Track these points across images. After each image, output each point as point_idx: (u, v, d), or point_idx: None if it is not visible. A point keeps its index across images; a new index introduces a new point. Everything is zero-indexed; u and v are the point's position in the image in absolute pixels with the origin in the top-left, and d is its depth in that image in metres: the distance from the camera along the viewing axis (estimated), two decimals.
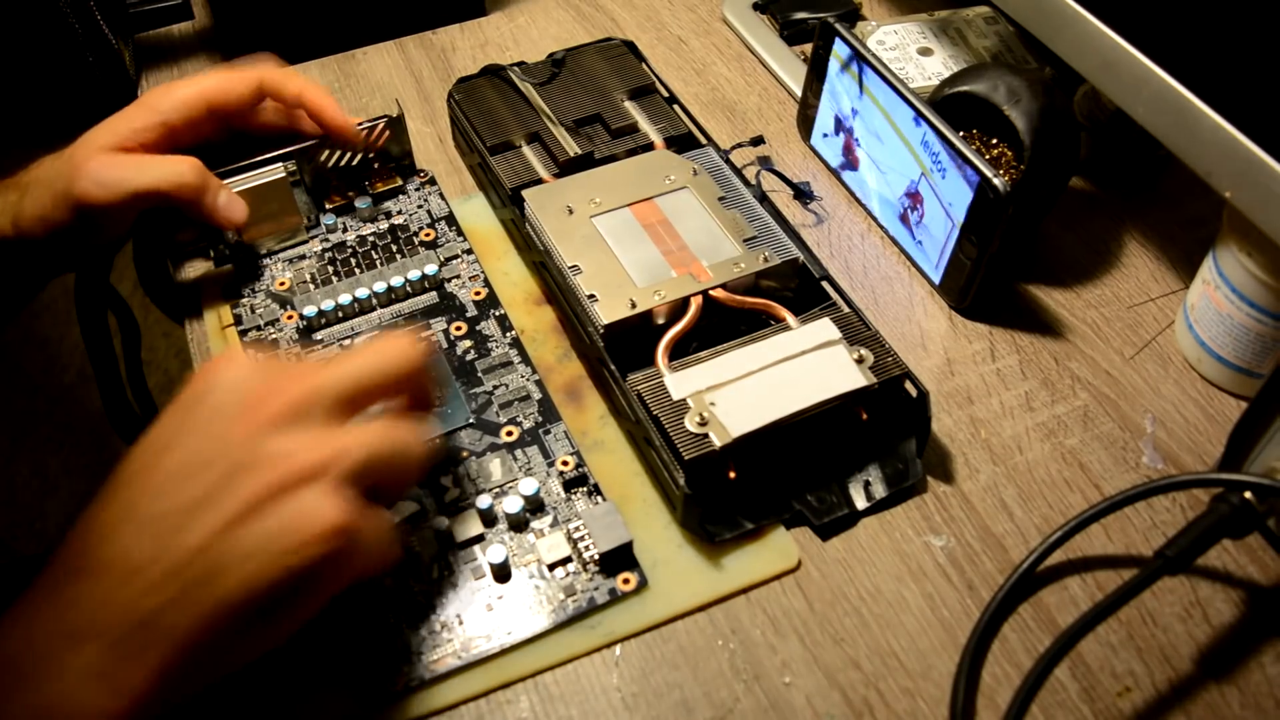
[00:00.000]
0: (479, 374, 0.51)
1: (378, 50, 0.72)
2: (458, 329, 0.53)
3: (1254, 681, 0.42)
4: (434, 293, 0.55)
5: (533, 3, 0.75)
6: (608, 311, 0.48)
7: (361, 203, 0.58)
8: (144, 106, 0.51)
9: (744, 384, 0.46)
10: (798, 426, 0.45)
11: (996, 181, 0.49)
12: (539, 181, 0.55)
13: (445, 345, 0.52)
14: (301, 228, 0.57)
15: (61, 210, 0.49)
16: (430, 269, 0.55)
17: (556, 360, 0.52)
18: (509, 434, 0.49)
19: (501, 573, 0.44)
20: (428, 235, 0.57)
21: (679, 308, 0.49)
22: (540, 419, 0.49)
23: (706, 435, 0.44)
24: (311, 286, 0.55)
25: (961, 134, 0.51)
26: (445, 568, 0.44)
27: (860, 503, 0.47)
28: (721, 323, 0.50)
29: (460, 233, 0.58)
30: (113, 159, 0.49)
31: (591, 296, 0.49)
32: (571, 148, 0.57)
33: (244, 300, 0.54)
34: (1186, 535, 0.40)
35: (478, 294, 0.55)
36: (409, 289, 0.54)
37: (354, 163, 0.59)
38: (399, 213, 0.59)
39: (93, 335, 0.77)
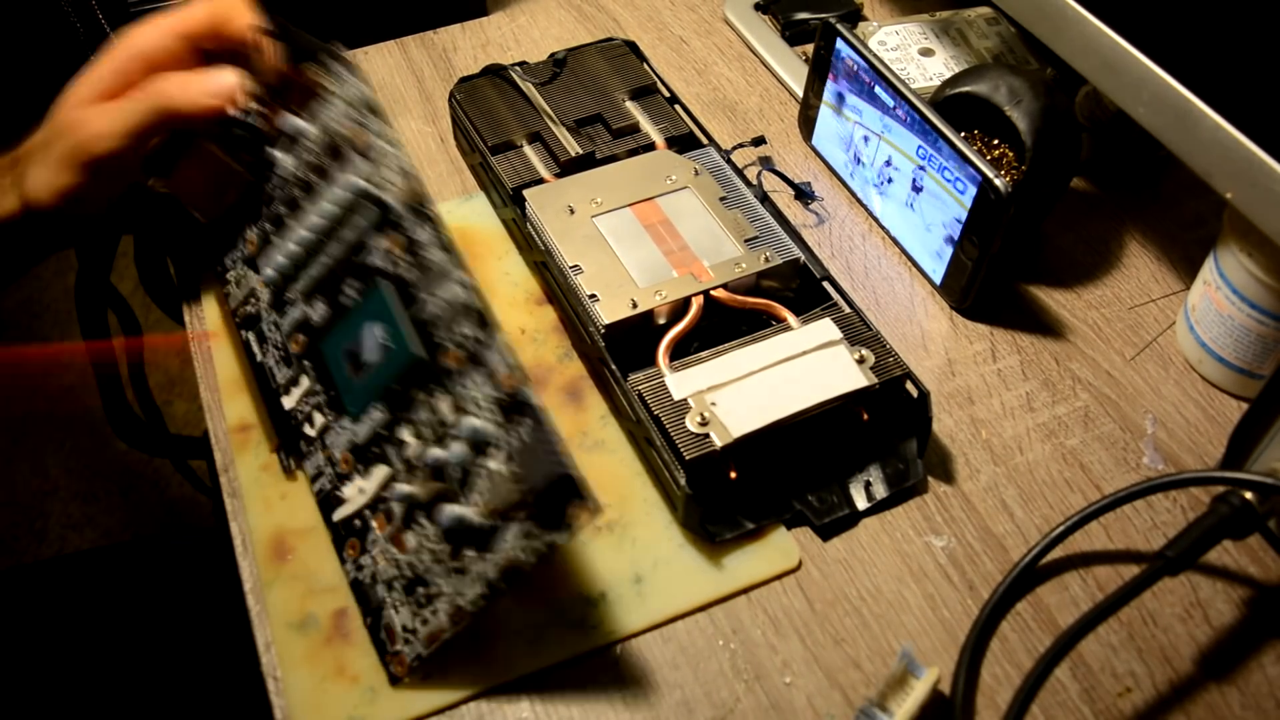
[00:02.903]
0: (418, 293, 0.43)
1: (379, 50, 0.72)
2: (397, 243, 0.44)
3: (1254, 682, 0.42)
4: (374, 208, 0.46)
5: (534, 3, 0.75)
6: (609, 311, 0.48)
7: (289, 123, 0.51)
8: (123, 48, 0.50)
9: (745, 384, 0.46)
10: (799, 426, 0.45)
11: (998, 182, 0.49)
12: (540, 181, 0.55)
13: (391, 267, 0.44)
14: (244, 176, 0.52)
15: (69, 171, 0.49)
16: (356, 181, 0.46)
17: (557, 360, 0.52)
18: (454, 360, 0.41)
19: (459, 534, 0.39)
20: (353, 133, 0.47)
21: (680, 308, 0.49)
22: (481, 337, 0.40)
23: (707, 435, 0.44)
24: (270, 234, 0.50)
25: (963, 135, 0.51)
26: (417, 530, 0.41)
27: (861, 503, 0.47)
28: (722, 323, 0.50)
29: (382, 116, 0.48)
30: (103, 107, 0.49)
31: (593, 296, 0.49)
32: (573, 147, 0.57)
33: (230, 275, 0.52)
34: (1187, 536, 0.40)
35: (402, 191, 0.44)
36: (348, 209, 0.47)
37: (267, 92, 0.52)
38: (327, 115, 0.50)
39: (93, 335, 0.77)
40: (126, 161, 0.50)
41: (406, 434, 0.42)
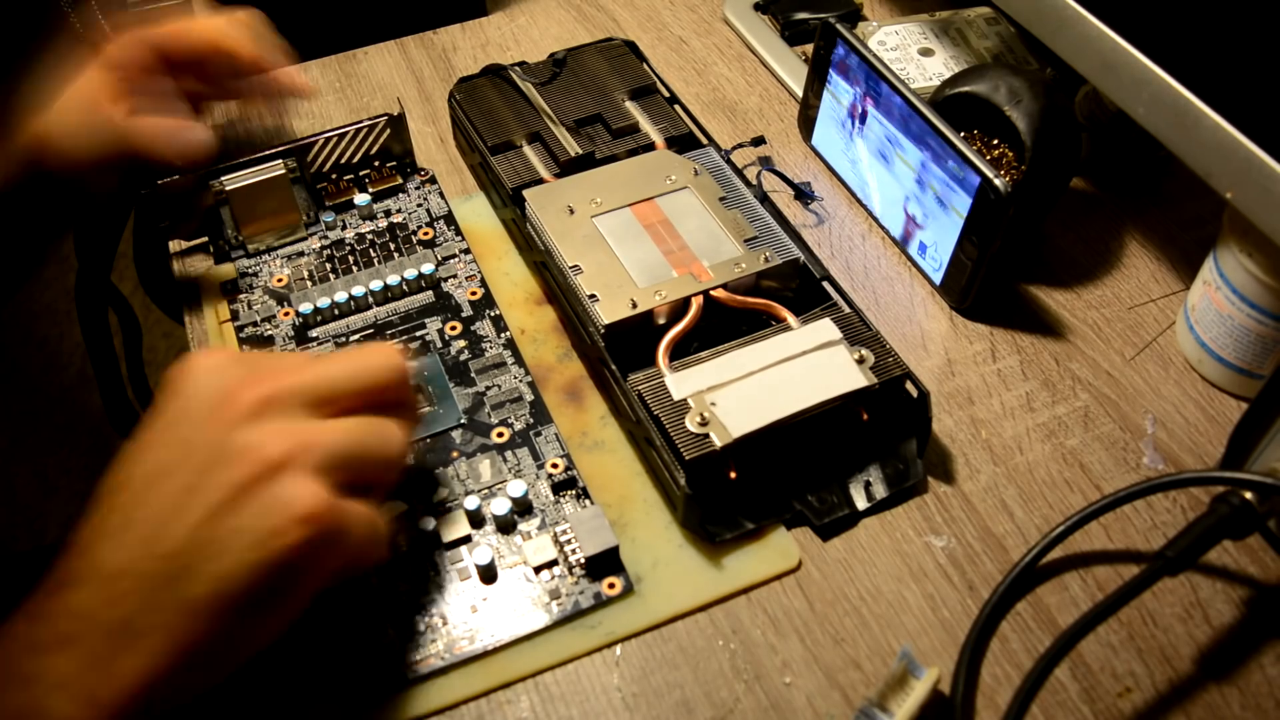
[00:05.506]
0: (472, 374, 0.51)
1: (379, 50, 0.72)
2: (452, 329, 0.53)
3: (1254, 682, 0.42)
4: (430, 292, 0.55)
5: (534, 3, 0.75)
6: (609, 311, 0.48)
7: (361, 200, 0.58)
8: (101, 64, 0.52)
9: (745, 384, 0.46)
10: (798, 426, 0.45)
11: (998, 182, 0.49)
12: (540, 181, 0.55)
13: (440, 345, 0.52)
14: (300, 224, 0.57)
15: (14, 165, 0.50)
16: (427, 268, 0.55)
17: (557, 360, 0.52)
18: (500, 435, 0.49)
19: (488, 574, 0.44)
20: (426, 234, 0.57)
21: (680, 308, 0.49)
22: (531, 420, 0.49)
23: (707, 435, 0.44)
24: (309, 284, 0.55)
25: (963, 135, 0.51)
26: (431, 568, 0.44)
27: (861, 503, 0.47)
28: (722, 323, 0.50)
29: (459, 232, 0.58)
30: (79, 121, 0.51)
31: (592, 296, 0.49)
32: (572, 147, 0.57)
33: (241, 296, 0.54)
34: (1187, 535, 0.40)
35: (474, 294, 0.55)
36: (405, 288, 0.54)
37: (354, 160, 0.59)
38: (398, 211, 0.59)
39: (93, 335, 0.77)
40: (89, 174, 0.52)
41: (436, 483, 0.47)
